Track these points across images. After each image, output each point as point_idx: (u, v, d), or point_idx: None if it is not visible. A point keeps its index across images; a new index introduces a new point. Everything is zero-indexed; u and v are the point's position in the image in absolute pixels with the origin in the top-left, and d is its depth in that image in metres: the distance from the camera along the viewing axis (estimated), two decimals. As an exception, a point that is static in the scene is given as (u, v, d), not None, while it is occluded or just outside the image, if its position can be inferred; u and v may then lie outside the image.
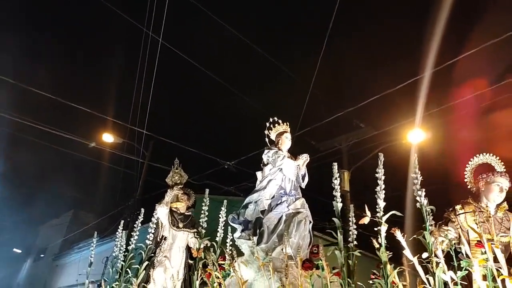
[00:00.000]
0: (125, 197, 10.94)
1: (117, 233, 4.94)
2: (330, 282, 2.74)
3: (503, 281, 1.92)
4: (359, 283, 2.94)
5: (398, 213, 2.54)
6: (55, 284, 16.58)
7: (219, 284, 3.28)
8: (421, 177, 2.60)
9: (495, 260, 2.29)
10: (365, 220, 2.55)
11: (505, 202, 2.95)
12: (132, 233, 4.51)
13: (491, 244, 2.01)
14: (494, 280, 2.10)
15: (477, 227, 2.55)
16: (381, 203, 2.63)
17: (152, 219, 4.61)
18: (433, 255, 2.18)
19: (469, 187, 3.15)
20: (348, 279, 2.67)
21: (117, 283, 4.27)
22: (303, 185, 4.16)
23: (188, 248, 4.97)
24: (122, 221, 5.10)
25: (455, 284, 2.15)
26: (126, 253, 4.60)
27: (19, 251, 23.02)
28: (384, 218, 2.57)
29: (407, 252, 2.34)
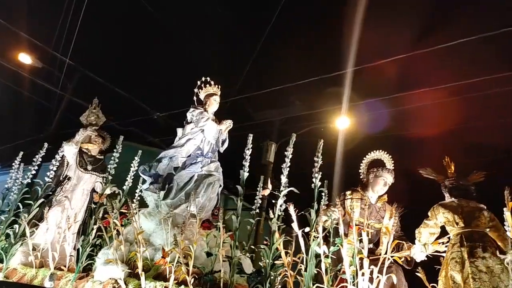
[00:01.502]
0: (37, 129, 9.95)
1: (13, 164, 4.53)
2: (223, 243, 2.91)
3: (361, 259, 2.23)
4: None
5: (296, 190, 2.74)
6: None
7: (117, 231, 3.25)
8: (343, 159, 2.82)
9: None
10: (265, 192, 2.71)
11: (386, 195, 3.38)
12: (30, 167, 4.17)
13: (359, 227, 2.30)
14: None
15: (358, 212, 2.91)
16: (284, 179, 2.81)
17: (56, 156, 4.31)
18: (313, 230, 2.42)
19: (361, 177, 3.54)
20: (238, 242, 2.84)
21: (5, 215, 3.97)
22: (222, 149, 4.22)
23: (93, 192, 4.79)
24: (21, 153, 4.68)
25: (326, 256, 2.44)
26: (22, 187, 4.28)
27: None
28: (283, 193, 2.76)
29: (294, 225, 2.56)
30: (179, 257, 2.86)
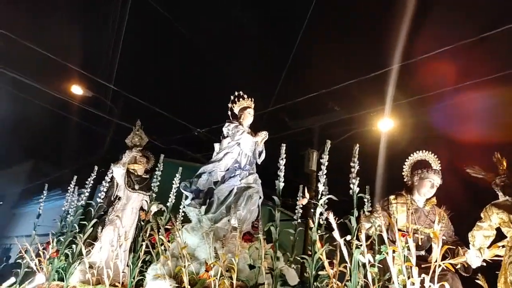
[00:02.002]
0: (89, 153, 10.70)
1: (68, 188, 4.90)
2: (266, 254, 2.90)
3: (409, 267, 2.10)
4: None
5: (334, 198, 2.67)
6: (12, 232, 16.34)
7: (164, 247, 3.37)
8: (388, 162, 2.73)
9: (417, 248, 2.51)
10: (303, 202, 2.67)
11: (434, 197, 3.17)
12: (83, 189, 4.49)
13: (403, 233, 2.18)
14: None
15: (406, 217, 2.76)
16: (321, 187, 2.76)
17: (106, 178, 4.59)
18: (354, 238, 2.34)
19: (405, 180, 3.36)
20: (282, 253, 2.82)
21: (64, 236, 4.28)
22: (259, 161, 4.25)
23: (141, 210, 5.03)
24: (75, 176, 5.04)
25: (372, 265, 2.33)
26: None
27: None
28: (321, 201, 2.70)
29: (335, 234, 2.49)
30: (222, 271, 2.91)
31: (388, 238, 2.47)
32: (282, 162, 3.00)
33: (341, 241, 2.47)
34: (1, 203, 19.98)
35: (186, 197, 4.15)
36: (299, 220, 3.51)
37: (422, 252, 3.02)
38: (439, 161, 3.26)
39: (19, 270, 4.36)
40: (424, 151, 3.29)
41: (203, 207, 3.63)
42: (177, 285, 3.03)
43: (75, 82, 8.91)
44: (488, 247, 2.70)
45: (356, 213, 2.46)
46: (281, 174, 2.96)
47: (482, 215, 2.74)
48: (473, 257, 2.67)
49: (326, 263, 2.57)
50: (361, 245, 2.28)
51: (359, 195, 2.52)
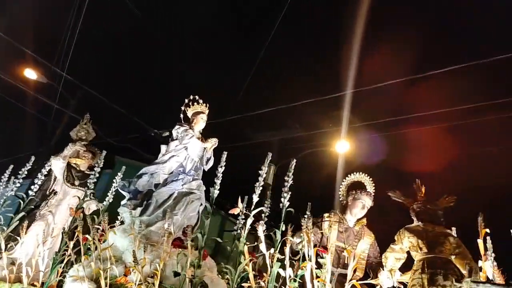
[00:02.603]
0: (38, 144, 10.09)
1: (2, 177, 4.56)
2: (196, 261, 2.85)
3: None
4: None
5: (264, 209, 2.69)
6: None
7: (88, 248, 3.21)
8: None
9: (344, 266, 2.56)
10: (235, 211, 2.66)
11: (365, 218, 3.29)
12: (14, 181, 4.20)
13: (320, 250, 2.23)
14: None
15: (335, 235, 2.83)
16: (255, 198, 2.77)
17: (42, 170, 4.33)
18: (277, 251, 2.35)
19: (340, 199, 3.46)
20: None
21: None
22: (206, 168, 4.20)
23: (81, 207, 4.77)
24: (11, 166, 4.71)
25: (294, 280, 2.35)
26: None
27: None
28: (253, 212, 2.70)
29: (261, 246, 2.49)
30: (146, 276, 2.81)
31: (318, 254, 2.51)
32: (221, 169, 2.98)
33: (266, 253, 2.48)
34: None
35: (127, 198, 4.01)
36: (238, 231, 3.49)
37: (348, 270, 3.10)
38: (373, 184, 3.39)
39: None
40: (361, 173, 3.42)
41: (139, 209, 3.51)
42: (96, 288, 2.88)
43: (28, 66, 8.43)
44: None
45: (283, 227, 2.48)
46: (218, 181, 2.93)
47: (395, 237, 2.88)
48: (385, 278, 2.78)
49: (251, 275, 2.55)
50: (282, 259, 2.30)
51: (288, 209, 2.55)
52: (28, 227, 4.15)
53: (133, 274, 2.72)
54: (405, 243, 2.75)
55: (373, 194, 3.31)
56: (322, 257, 2.48)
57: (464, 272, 2.62)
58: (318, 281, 2.34)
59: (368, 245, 3.10)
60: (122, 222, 4.05)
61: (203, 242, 2.74)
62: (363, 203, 3.22)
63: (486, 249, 2.62)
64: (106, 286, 2.76)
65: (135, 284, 2.59)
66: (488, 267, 2.57)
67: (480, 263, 2.29)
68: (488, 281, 2.44)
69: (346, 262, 3.14)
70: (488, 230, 2.55)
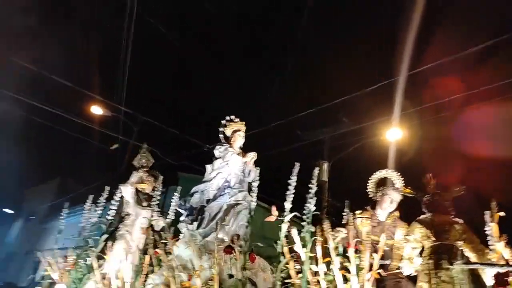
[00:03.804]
0: (109, 171, 11.49)
1: (84, 206, 5.49)
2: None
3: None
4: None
5: (299, 214, 3.05)
6: (41, 246, 17.44)
7: (159, 259, 3.85)
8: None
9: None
10: (271, 219, 3.07)
11: (397, 211, 3.48)
12: (96, 209, 5.06)
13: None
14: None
15: (366, 230, 3.11)
16: (287, 205, 3.15)
17: (115, 197, 5.14)
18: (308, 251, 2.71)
19: (370, 196, 3.69)
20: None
21: (79, 251, 4.85)
22: (249, 179, 4.67)
23: (150, 225, 5.55)
24: (91, 196, 5.63)
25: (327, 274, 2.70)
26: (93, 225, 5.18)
27: (11, 211, 23.86)
28: (287, 218, 3.10)
29: (297, 247, 2.87)
30: (207, 280, 3.35)
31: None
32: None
33: (302, 253, 2.85)
34: (32, 218, 21.31)
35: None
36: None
37: (387, 262, 3.32)
38: (402, 179, 3.57)
39: (42, 281, 4.96)
40: (387, 169, 3.62)
41: (195, 223, 4.09)
42: (169, 293, 3.48)
43: (91, 106, 9.70)
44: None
45: (313, 228, 2.83)
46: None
47: (408, 230, 3.05)
48: (405, 266, 2.98)
49: (292, 272, 2.94)
50: (313, 256, 2.66)
51: (314, 213, 2.90)
52: (111, 246, 4.98)
53: (195, 279, 3.26)
54: (417, 234, 2.94)
55: (401, 188, 3.49)
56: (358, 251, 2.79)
57: (473, 255, 2.74)
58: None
59: (403, 235, 3.30)
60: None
61: (245, 248, 3.19)
62: (391, 198, 3.42)
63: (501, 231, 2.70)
64: (175, 290, 3.34)
65: (199, 287, 3.12)
66: (503, 248, 2.66)
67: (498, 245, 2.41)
68: (479, 262, 2.54)
69: (382, 254, 3.40)
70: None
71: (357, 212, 3.51)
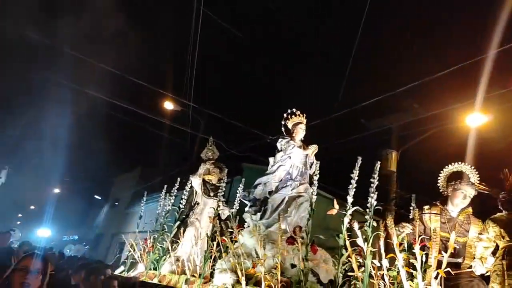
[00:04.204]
0: (184, 161, 12.39)
1: (160, 194, 6.05)
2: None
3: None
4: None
5: (361, 209, 3.03)
6: (125, 229, 19.55)
7: (227, 247, 4.12)
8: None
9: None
10: (332, 212, 3.09)
11: (470, 207, 3.23)
12: (169, 197, 5.55)
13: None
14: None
15: (437, 226, 2.98)
16: (350, 199, 3.14)
17: (186, 187, 5.57)
18: (369, 245, 2.69)
19: (441, 190, 3.46)
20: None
21: (156, 235, 5.39)
22: (311, 172, 4.71)
23: (217, 214, 5.92)
24: (166, 186, 6.18)
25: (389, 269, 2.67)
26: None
27: (99, 198, 27.04)
28: (349, 211, 3.09)
29: (359, 241, 2.87)
30: (271, 268, 3.50)
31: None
32: (375, 181, 3.10)
33: (364, 246, 2.84)
34: (117, 204, 23.90)
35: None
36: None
37: (459, 260, 3.12)
38: (477, 172, 3.30)
39: (126, 261, 5.63)
40: (460, 162, 3.37)
41: (258, 214, 4.27)
42: (236, 278, 3.72)
43: (164, 102, 10.50)
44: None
45: (374, 223, 2.79)
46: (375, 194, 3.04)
47: (482, 228, 2.79)
48: (477, 266, 2.75)
49: (354, 265, 2.95)
50: (376, 251, 2.63)
51: (376, 207, 2.85)
52: (183, 232, 5.44)
53: (260, 267, 3.43)
54: (491, 233, 2.68)
55: (476, 182, 3.22)
56: (425, 248, 2.69)
57: None
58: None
59: (476, 233, 3.06)
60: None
61: (308, 239, 3.26)
62: (464, 193, 3.16)
63: None
64: (242, 276, 3.56)
65: (263, 274, 3.30)
66: None
67: None
68: None
69: (453, 251, 3.21)
70: None
71: (425, 207, 3.34)
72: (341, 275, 2.92)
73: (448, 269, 2.50)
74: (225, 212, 5.80)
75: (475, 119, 8.28)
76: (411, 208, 3.62)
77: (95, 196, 26.89)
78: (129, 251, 5.66)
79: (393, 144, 9.91)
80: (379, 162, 3.03)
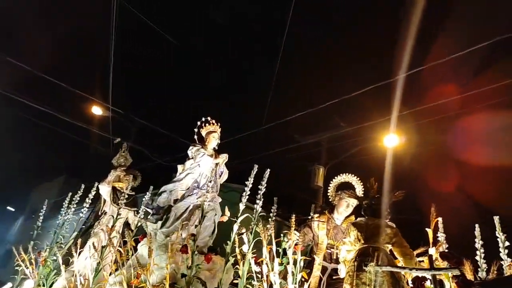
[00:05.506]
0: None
1: (63, 204, 5.53)
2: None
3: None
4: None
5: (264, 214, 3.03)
6: (41, 244, 17.70)
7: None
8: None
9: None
10: (224, 219, 3.06)
11: (353, 216, 3.44)
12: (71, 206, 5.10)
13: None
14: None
15: (323, 233, 3.08)
16: (242, 206, 3.14)
17: (89, 195, 5.17)
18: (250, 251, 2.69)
19: (330, 200, 3.65)
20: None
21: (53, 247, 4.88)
22: (221, 181, 4.67)
23: (127, 224, 5.57)
24: (70, 194, 5.67)
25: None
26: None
27: (13, 209, 24.23)
28: (240, 218, 3.08)
29: (245, 247, 2.85)
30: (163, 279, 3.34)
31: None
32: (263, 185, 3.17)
33: (249, 254, 2.83)
34: (34, 216, 21.63)
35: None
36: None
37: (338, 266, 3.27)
38: (361, 183, 3.53)
39: (16, 277, 5.00)
40: (347, 174, 3.59)
41: (159, 222, 4.09)
42: (124, 291, 3.47)
43: (89, 109, 9.85)
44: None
45: (259, 228, 2.81)
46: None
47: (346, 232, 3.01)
48: (342, 269, 2.94)
49: (240, 271, 2.92)
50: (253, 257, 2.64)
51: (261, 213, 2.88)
52: (84, 243, 5.00)
53: (145, 277, 3.25)
54: (352, 236, 2.90)
55: (359, 193, 3.46)
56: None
57: (401, 258, 2.71)
58: (303, 276, 2.62)
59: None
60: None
61: (194, 247, 3.18)
62: (348, 202, 3.38)
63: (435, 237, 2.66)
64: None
65: (151, 285, 3.12)
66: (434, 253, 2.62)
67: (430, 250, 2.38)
68: (390, 264, 2.50)
69: (336, 257, 3.36)
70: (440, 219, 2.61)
71: (315, 215, 3.48)
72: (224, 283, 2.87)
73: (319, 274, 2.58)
74: (136, 222, 5.50)
75: (390, 139, 9.04)
76: (309, 217, 3.75)
77: (8, 208, 24.05)
78: (20, 266, 5.05)
79: (321, 160, 10.36)
80: (268, 170, 3.08)
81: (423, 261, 2.91)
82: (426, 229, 2.57)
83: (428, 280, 2.59)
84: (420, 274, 2.42)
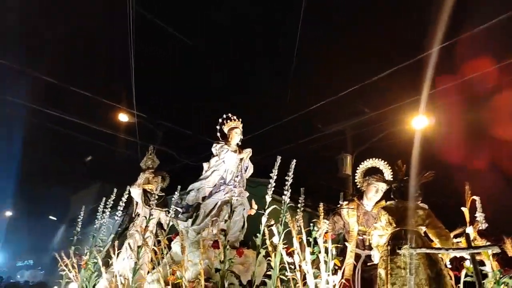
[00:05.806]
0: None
1: (99, 208, 5.76)
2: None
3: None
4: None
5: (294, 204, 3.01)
6: (83, 249, 18.56)
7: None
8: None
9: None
10: (251, 212, 3.07)
11: (383, 201, 3.35)
12: (104, 210, 5.30)
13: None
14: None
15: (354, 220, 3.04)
16: (268, 199, 3.14)
17: (122, 198, 5.35)
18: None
19: (358, 186, 3.57)
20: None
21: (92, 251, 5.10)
22: (246, 176, 4.70)
23: (160, 224, 5.73)
24: (104, 198, 5.89)
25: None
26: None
27: (55, 218, 25.53)
28: (267, 211, 3.08)
29: (275, 239, 2.86)
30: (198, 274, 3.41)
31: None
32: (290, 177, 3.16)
33: (280, 246, 2.84)
34: (74, 223, 22.71)
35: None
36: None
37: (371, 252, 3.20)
38: (390, 168, 3.43)
39: (61, 281, 5.28)
40: (374, 158, 3.50)
41: (190, 220, 4.17)
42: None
43: (112, 114, 10.17)
44: None
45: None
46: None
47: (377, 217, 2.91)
48: (375, 255, 2.85)
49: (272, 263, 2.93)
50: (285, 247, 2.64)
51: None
52: (121, 245, 5.19)
53: (180, 273, 3.33)
54: (383, 221, 2.81)
55: (388, 177, 3.35)
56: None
57: (436, 240, 2.58)
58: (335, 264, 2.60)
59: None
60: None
61: (226, 241, 3.21)
62: (376, 187, 3.29)
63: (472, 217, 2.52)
64: (167, 285, 3.43)
65: (187, 281, 3.20)
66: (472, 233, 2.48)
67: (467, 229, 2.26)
68: (425, 246, 2.38)
69: (369, 244, 3.29)
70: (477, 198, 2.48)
71: (344, 203, 3.42)
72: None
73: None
74: (167, 222, 5.64)
75: (419, 121, 8.70)
76: (338, 205, 3.69)
77: (50, 217, 25.38)
78: (64, 270, 5.32)
79: (348, 148, 10.17)
80: (294, 160, 3.05)
81: (460, 242, 2.80)
82: (462, 208, 2.46)
83: (467, 260, 2.50)
84: (457, 254, 2.34)
